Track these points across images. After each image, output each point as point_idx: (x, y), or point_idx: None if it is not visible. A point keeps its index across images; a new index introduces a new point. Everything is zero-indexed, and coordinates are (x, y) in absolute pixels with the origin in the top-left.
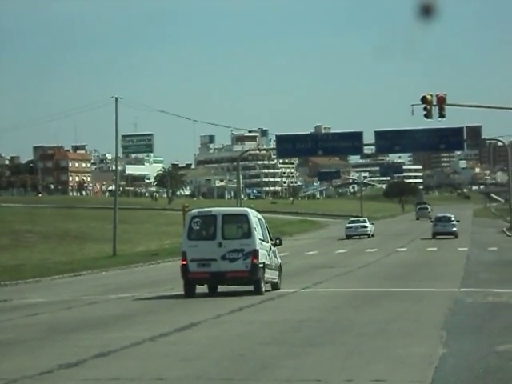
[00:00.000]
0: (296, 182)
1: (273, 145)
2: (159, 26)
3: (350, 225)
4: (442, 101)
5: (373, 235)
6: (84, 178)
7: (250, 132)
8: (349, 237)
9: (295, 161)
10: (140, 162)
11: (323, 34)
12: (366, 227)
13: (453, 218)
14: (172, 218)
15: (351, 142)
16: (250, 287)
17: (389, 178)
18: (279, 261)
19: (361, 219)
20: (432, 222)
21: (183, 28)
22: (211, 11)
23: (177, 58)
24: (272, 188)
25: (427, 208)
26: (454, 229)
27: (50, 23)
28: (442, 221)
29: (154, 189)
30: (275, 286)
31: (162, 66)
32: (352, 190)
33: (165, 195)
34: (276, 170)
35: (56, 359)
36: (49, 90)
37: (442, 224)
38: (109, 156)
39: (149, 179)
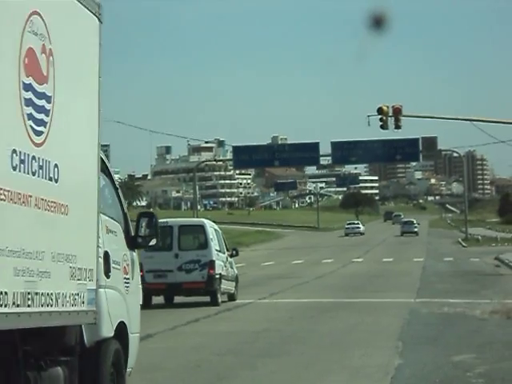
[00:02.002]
0: (252, 193)
1: (229, 155)
2: (112, 35)
3: (348, 226)
4: (397, 112)
5: (363, 233)
6: None
7: (206, 143)
8: (347, 234)
9: (252, 171)
10: None
11: (279, 45)
12: (359, 228)
13: (415, 222)
14: None
15: (307, 152)
16: (207, 298)
17: (345, 189)
18: (236, 271)
19: (355, 222)
20: (399, 224)
21: (137, 38)
22: (164, 20)
23: (133, 68)
24: (229, 199)
25: (412, 222)
26: (416, 229)
27: None
28: (407, 224)
29: None
30: (232, 297)
31: (118, 76)
32: (308, 201)
33: None
34: (232, 181)
35: None
36: None
37: (408, 226)
38: None
39: None
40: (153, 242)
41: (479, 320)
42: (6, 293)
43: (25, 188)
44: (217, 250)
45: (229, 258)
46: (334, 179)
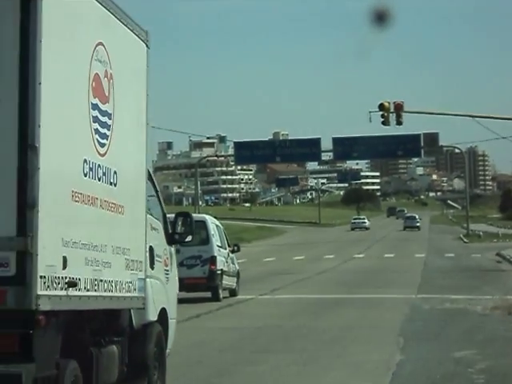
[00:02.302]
0: (254, 189)
1: (231, 151)
2: None
3: (354, 221)
4: (399, 108)
5: (369, 228)
6: None
7: (208, 138)
8: (353, 229)
9: (253, 167)
10: None
11: (281, 41)
12: (365, 222)
13: (417, 217)
14: None
15: (309, 148)
16: (208, 294)
17: (346, 185)
18: (237, 267)
19: (361, 217)
20: (402, 219)
21: None
22: (165, 14)
23: None
24: (230, 194)
25: (415, 217)
26: (418, 224)
27: None
28: (410, 218)
29: None
30: (233, 293)
31: None
32: (310, 197)
33: None
34: (234, 177)
35: None
36: None
37: (410, 221)
38: None
39: None
40: (188, 239)
41: (480, 316)
42: (79, 279)
43: (92, 191)
44: (218, 246)
45: (230, 254)
46: (335, 175)
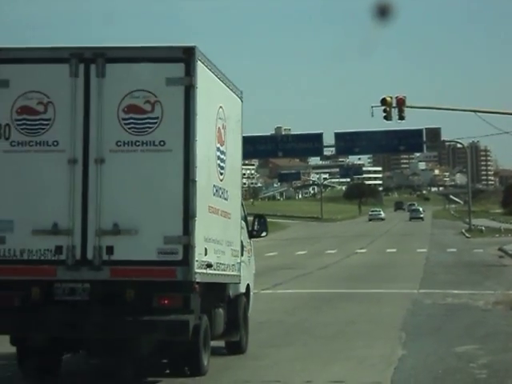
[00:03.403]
0: (256, 184)
1: None
2: (118, 28)
3: (372, 213)
4: (401, 103)
5: (384, 219)
6: None
7: None
8: (370, 220)
9: (255, 162)
10: None
11: (283, 36)
12: (381, 214)
13: (421, 209)
14: None
15: (311, 143)
16: None
17: (349, 180)
18: None
19: (377, 210)
20: (408, 211)
21: (145, 29)
22: (166, 8)
23: None
24: None
25: (419, 210)
26: (422, 215)
27: (5, 25)
28: (415, 211)
29: None
30: None
31: None
32: (312, 192)
33: None
34: None
35: None
36: None
37: (415, 213)
38: None
39: None
40: (263, 234)
41: (482, 311)
42: (212, 263)
43: (217, 205)
44: None
45: None
46: (337, 170)
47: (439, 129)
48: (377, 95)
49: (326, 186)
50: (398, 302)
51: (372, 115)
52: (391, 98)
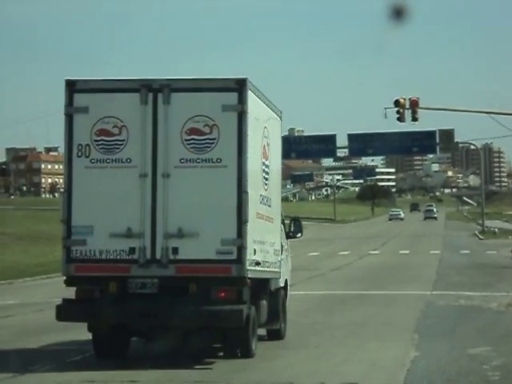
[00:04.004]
0: None
1: None
2: (135, 26)
3: (392, 213)
4: (414, 104)
5: (403, 219)
6: (56, 179)
7: None
8: (390, 219)
9: None
10: None
11: (297, 37)
12: (400, 214)
13: (435, 210)
14: None
15: (324, 144)
16: None
17: (362, 181)
18: None
19: (397, 210)
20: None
21: (159, 28)
22: (195, 9)
23: (152, 58)
24: None
25: (433, 210)
26: (435, 215)
27: (20, 24)
28: (429, 211)
29: None
30: None
31: (135, 68)
32: (325, 193)
33: None
34: None
35: (26, 362)
36: (22, 91)
37: (429, 213)
38: None
39: None
40: (299, 235)
41: (496, 313)
42: (259, 261)
43: (262, 211)
44: None
45: None
46: (350, 171)
47: (452, 130)
48: (390, 96)
49: (338, 188)
50: (411, 303)
51: (385, 117)
52: (404, 99)
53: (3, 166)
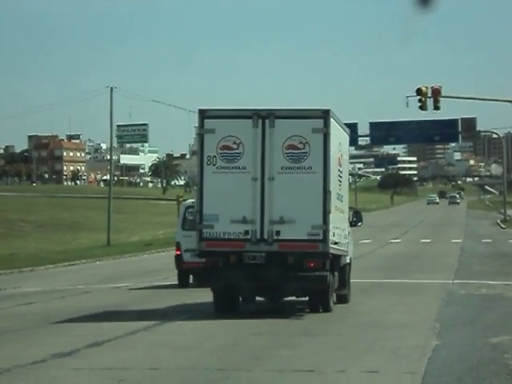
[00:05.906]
0: None
1: None
2: (154, 16)
3: (430, 198)
4: (436, 93)
5: (438, 203)
6: (78, 167)
7: None
8: (428, 203)
9: None
10: (135, 151)
11: (318, 25)
12: (436, 199)
13: (457, 196)
14: (166, 208)
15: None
16: None
17: (383, 170)
18: None
19: (434, 195)
20: (447, 198)
21: (178, 19)
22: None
23: (172, 48)
24: None
25: (456, 196)
26: (458, 201)
27: (44, 14)
28: (452, 197)
29: (148, 179)
30: None
31: (157, 55)
32: None
33: (159, 185)
34: None
35: (49, 348)
36: (44, 79)
37: (453, 198)
38: (103, 146)
39: (143, 169)
40: (359, 224)
41: None
42: (337, 241)
43: (338, 205)
44: None
45: None
46: (372, 160)
47: (475, 119)
48: (412, 85)
49: (360, 176)
50: (433, 292)
51: (407, 105)
52: (426, 87)
53: (25, 154)
